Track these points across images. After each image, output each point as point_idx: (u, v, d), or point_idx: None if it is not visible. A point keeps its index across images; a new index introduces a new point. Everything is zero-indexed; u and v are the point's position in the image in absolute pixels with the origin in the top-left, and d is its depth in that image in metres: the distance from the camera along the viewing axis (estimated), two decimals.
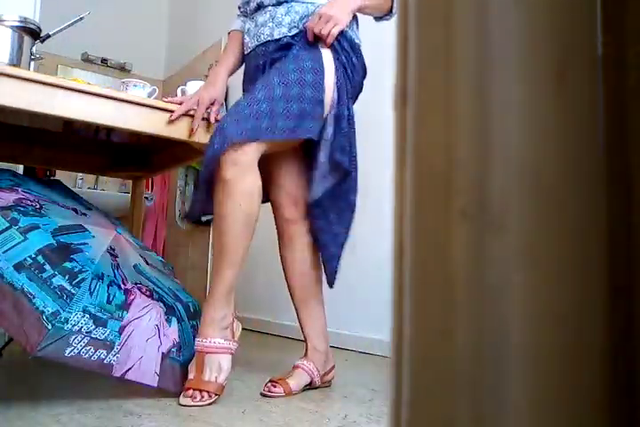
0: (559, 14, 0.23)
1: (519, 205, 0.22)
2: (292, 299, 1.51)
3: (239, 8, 1.65)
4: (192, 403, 1.18)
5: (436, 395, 0.23)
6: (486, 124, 0.23)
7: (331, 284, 1.50)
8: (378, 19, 1.51)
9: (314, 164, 1.41)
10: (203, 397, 1.20)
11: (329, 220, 1.46)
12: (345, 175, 1.43)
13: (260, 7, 1.49)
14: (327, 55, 1.39)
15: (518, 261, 0.22)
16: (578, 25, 0.23)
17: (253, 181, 1.29)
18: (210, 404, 1.20)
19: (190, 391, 1.20)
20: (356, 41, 1.48)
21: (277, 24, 1.44)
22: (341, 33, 1.40)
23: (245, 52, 1.55)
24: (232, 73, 1.60)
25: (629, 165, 0.24)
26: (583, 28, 0.23)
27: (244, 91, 1.56)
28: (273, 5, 1.46)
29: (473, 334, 0.22)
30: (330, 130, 1.38)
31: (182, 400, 1.19)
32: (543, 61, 0.23)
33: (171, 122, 1.45)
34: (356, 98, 1.52)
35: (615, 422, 0.22)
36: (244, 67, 1.59)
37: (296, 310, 1.51)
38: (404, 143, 0.26)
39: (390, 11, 1.47)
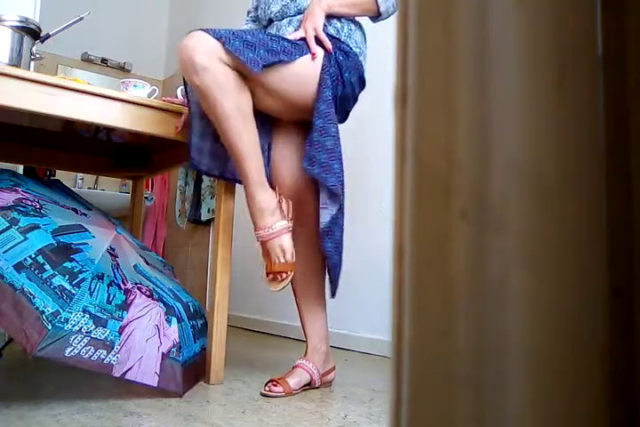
0: (559, 14, 0.23)
1: (519, 205, 0.22)
2: (296, 299, 1.51)
3: (248, 13, 1.69)
4: (278, 285, 1.36)
5: (436, 395, 0.23)
6: (486, 124, 0.23)
7: (333, 293, 1.50)
8: (374, 19, 1.52)
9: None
10: (282, 276, 1.36)
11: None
12: (339, 200, 1.39)
13: (271, 22, 1.56)
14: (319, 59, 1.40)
15: (518, 261, 0.22)
16: (578, 25, 0.23)
17: (226, 73, 1.27)
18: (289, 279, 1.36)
19: (271, 276, 1.37)
20: (355, 50, 1.47)
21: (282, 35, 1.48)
22: (340, 49, 1.42)
23: None
24: None
25: (629, 165, 0.24)
26: (583, 28, 0.23)
27: None
28: (278, 20, 1.53)
29: (473, 334, 0.22)
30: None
31: (271, 286, 1.37)
32: (543, 61, 0.23)
33: (178, 133, 1.46)
34: (347, 113, 1.54)
35: (615, 422, 0.22)
36: None
37: (299, 309, 1.51)
38: (404, 143, 0.26)
39: (378, 13, 1.47)
